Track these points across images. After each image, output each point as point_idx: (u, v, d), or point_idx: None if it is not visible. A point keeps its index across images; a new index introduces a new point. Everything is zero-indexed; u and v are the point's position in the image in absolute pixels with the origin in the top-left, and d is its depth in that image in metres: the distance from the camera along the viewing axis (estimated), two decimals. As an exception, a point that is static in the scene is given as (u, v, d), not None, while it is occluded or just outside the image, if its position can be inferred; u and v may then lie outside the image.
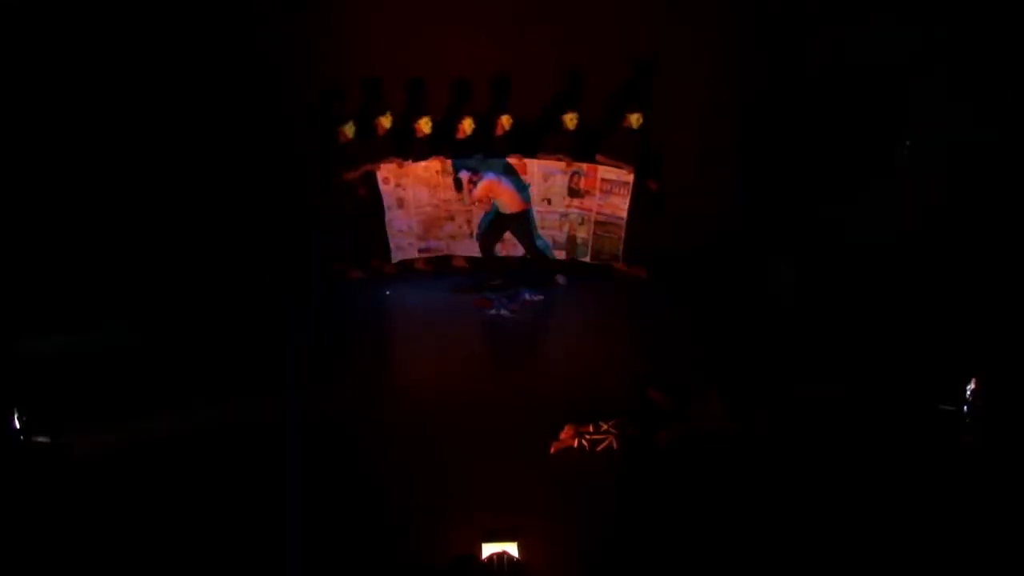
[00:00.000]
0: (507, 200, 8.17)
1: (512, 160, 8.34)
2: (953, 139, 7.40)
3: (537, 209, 8.50)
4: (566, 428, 5.31)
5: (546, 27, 8.73)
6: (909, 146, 7.65)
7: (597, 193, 8.36)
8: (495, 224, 8.21)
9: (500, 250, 8.54)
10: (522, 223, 8.25)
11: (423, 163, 8.37)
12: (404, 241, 8.62)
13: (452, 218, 8.51)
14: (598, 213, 8.39)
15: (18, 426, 4.99)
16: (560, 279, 7.75)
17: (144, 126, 7.83)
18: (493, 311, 7.58)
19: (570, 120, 8.28)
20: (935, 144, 7.56)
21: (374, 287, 8.33)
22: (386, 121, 8.45)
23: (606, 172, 8.31)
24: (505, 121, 8.45)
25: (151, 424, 5.42)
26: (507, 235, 8.48)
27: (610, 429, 5.26)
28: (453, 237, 8.60)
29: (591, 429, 5.25)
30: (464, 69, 8.90)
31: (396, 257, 8.67)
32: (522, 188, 8.25)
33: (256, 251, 8.44)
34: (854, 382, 5.66)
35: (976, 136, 7.26)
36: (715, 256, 8.47)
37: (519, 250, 8.50)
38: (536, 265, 7.83)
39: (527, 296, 7.67)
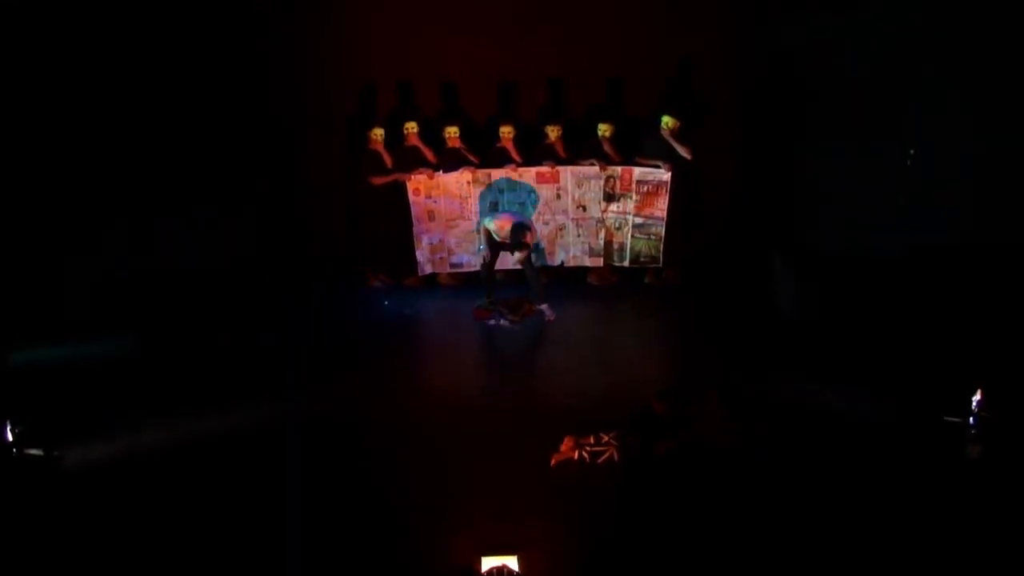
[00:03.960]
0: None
1: (545, 168, 8.05)
2: (960, 143, 7.21)
3: (572, 216, 8.16)
4: (566, 440, 4.89)
5: (580, 32, 8.63)
6: (913, 154, 7.44)
7: (634, 195, 8.05)
8: (496, 247, 7.49)
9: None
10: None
11: (454, 175, 8.11)
12: (435, 255, 8.32)
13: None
14: (636, 215, 8.07)
15: (10, 438, 4.84)
16: (548, 313, 7.37)
17: (148, 130, 7.74)
18: (492, 322, 7.28)
19: (605, 130, 8.16)
20: (942, 149, 7.34)
21: (389, 296, 8.16)
22: (413, 127, 8.25)
23: (643, 174, 8.01)
24: (552, 131, 8.21)
25: (146, 435, 5.21)
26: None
27: (611, 441, 4.86)
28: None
29: (591, 441, 4.86)
30: (497, 74, 8.79)
31: (425, 270, 8.35)
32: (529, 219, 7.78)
33: (257, 253, 8.44)
34: (858, 391, 5.52)
35: (984, 140, 7.09)
36: (717, 260, 8.49)
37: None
38: (532, 291, 7.41)
39: (546, 312, 7.33)
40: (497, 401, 5.77)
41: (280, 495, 4.55)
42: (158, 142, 7.80)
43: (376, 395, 5.88)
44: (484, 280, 7.52)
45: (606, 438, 4.94)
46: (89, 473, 4.82)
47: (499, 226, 7.27)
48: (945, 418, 5.01)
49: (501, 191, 8.11)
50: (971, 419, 4.92)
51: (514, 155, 8.12)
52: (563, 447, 4.94)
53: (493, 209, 7.96)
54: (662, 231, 8.02)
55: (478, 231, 7.85)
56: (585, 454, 4.88)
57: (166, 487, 4.68)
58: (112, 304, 7.29)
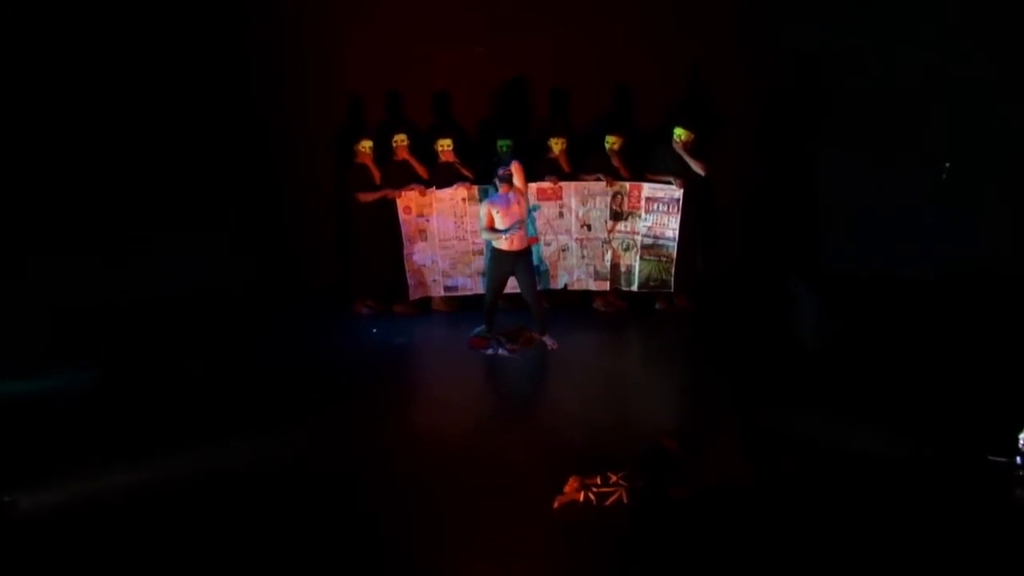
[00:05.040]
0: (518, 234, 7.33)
1: (546, 184, 8.06)
2: (1000, 157, 7.24)
3: (576, 236, 8.16)
4: (571, 480, 4.88)
5: (583, 38, 8.75)
6: (949, 168, 7.47)
7: (642, 213, 8.05)
8: (497, 278, 7.39)
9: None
10: (526, 265, 7.38)
11: (448, 191, 8.13)
12: (427, 278, 8.33)
13: (481, 252, 8.16)
14: (644, 236, 8.07)
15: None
16: (549, 342, 7.36)
17: (112, 144, 7.95)
18: (490, 351, 7.26)
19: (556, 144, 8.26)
20: (980, 163, 7.35)
21: (378, 324, 8.16)
22: (403, 140, 8.28)
23: (653, 190, 8.01)
24: (556, 143, 8.25)
25: (109, 478, 5.16)
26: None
27: (619, 481, 4.84)
28: (482, 274, 8.14)
29: (598, 481, 4.85)
30: (494, 83, 8.98)
31: (416, 294, 8.34)
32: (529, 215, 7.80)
33: (232, 277, 8.54)
34: (891, 428, 5.46)
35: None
36: (733, 285, 8.49)
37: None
38: (535, 316, 7.35)
39: (548, 342, 7.31)
40: (495, 438, 5.77)
41: (258, 547, 4.51)
42: (124, 156, 7.96)
43: (364, 433, 5.88)
44: (485, 310, 7.47)
45: (614, 478, 4.93)
46: (45, 522, 4.78)
47: (498, 212, 7.10)
48: (989, 457, 4.95)
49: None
50: (1018, 459, 4.88)
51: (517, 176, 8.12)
52: (567, 488, 4.93)
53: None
54: (674, 253, 8.00)
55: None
56: (591, 496, 4.86)
57: (130, 537, 4.62)
58: (73, 334, 7.31)
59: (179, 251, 8.28)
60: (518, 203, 7.16)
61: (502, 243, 7.16)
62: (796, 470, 4.98)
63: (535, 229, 8.09)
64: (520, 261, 7.24)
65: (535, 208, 8.08)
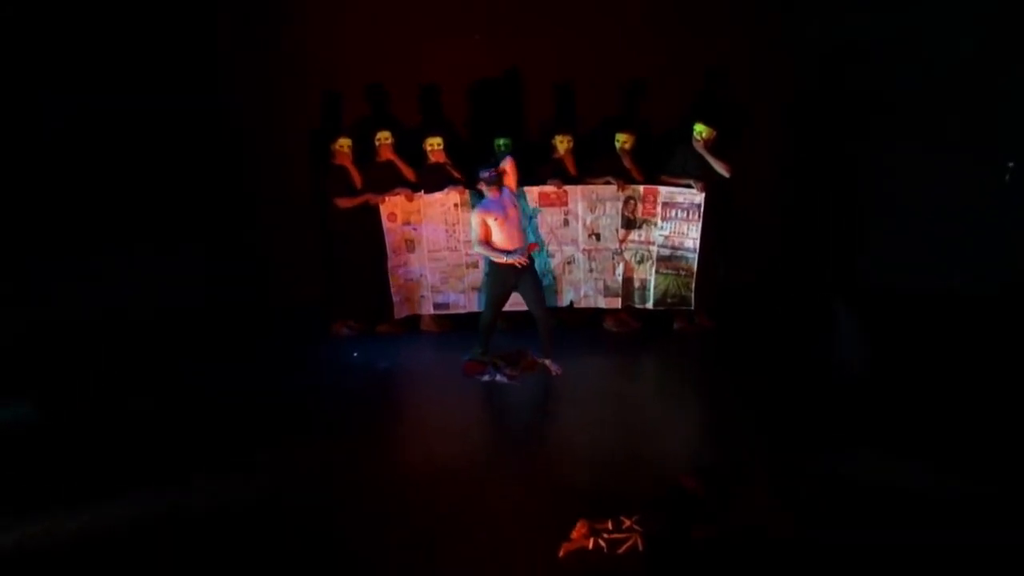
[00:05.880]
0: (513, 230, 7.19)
1: (550, 187, 8.02)
2: None
3: (583, 247, 8.14)
4: (579, 525, 4.92)
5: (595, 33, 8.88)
6: (1012, 168, 7.47)
7: (659, 221, 8.03)
8: (498, 293, 7.32)
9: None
10: (530, 275, 7.27)
11: (438, 195, 8.09)
12: (415, 294, 8.26)
13: (476, 265, 8.12)
14: (661, 246, 8.05)
15: None
16: (553, 367, 7.23)
17: (63, 150, 7.99)
18: (487, 378, 7.22)
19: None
20: None
21: (359, 346, 8.15)
22: (387, 138, 8.26)
23: (670, 195, 8.00)
24: (561, 142, 8.24)
25: (51, 523, 5.15)
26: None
27: (633, 526, 4.87)
28: (477, 289, 8.18)
29: (610, 526, 4.88)
30: (491, 75, 9.05)
31: (403, 313, 8.28)
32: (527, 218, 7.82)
33: (194, 293, 8.58)
34: (947, 467, 5.43)
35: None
36: (762, 303, 8.61)
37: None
38: (542, 334, 7.27)
39: (551, 367, 7.28)
40: (492, 477, 5.75)
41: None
42: (72, 159, 7.97)
43: (342, 471, 5.84)
44: (481, 329, 7.36)
45: (628, 523, 4.92)
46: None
47: (495, 221, 6.96)
48: None
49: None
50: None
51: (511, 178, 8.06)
52: (575, 534, 4.92)
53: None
54: (694, 265, 7.96)
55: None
56: (602, 543, 4.85)
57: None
58: (8, 362, 7.28)
59: (136, 266, 8.29)
60: (515, 206, 7.07)
61: (501, 257, 7.05)
62: (836, 515, 4.97)
63: (536, 236, 8.03)
64: (523, 272, 7.10)
65: (533, 213, 8.04)
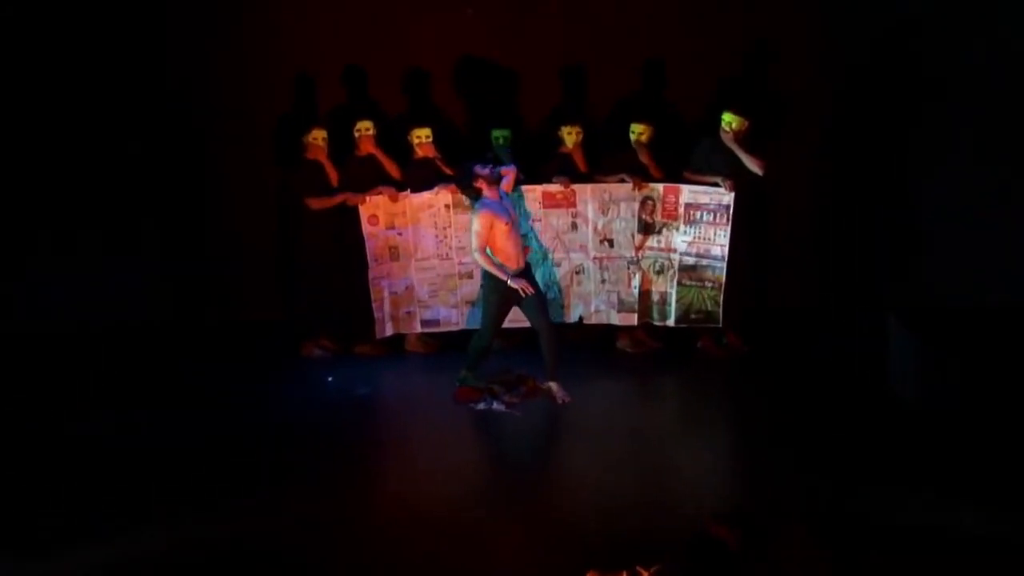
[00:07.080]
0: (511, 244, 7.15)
1: (555, 186, 8.00)
2: None
3: (594, 255, 8.11)
4: None
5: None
6: None
7: (681, 225, 7.99)
8: (497, 310, 7.26)
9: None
10: (532, 285, 7.23)
11: (426, 195, 8.08)
12: (400, 310, 8.24)
13: (470, 275, 8.09)
14: (684, 254, 8.01)
15: None
16: (559, 393, 7.20)
17: None
18: (482, 406, 7.19)
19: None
20: None
21: (334, 370, 8.16)
22: (368, 128, 8.25)
23: (694, 195, 7.96)
24: (569, 133, 8.24)
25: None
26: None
27: None
28: (472, 303, 8.14)
29: None
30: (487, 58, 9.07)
31: (386, 331, 8.23)
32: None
33: (147, 308, 8.74)
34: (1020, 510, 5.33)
35: None
36: (801, 320, 8.69)
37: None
38: (547, 354, 7.25)
39: (557, 393, 7.26)
40: (488, 520, 5.70)
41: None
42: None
43: (322, 513, 5.77)
44: (474, 350, 7.30)
45: (645, 575, 4.69)
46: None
47: (504, 226, 6.93)
48: None
49: None
50: None
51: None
52: None
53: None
54: (722, 276, 7.90)
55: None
56: None
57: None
58: None
59: (77, 278, 8.46)
60: (515, 213, 7.11)
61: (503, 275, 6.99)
62: (888, 566, 4.90)
63: (538, 242, 8.05)
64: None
65: (535, 216, 8.06)
